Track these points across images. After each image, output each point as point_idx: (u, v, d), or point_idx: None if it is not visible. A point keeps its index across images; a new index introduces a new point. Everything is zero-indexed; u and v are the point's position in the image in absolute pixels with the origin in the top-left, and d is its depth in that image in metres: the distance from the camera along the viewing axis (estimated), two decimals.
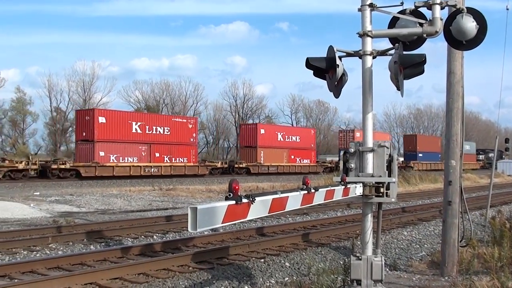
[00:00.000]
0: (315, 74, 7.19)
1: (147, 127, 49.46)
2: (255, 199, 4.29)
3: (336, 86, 7.06)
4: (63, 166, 43.62)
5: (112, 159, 46.31)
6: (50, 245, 12.25)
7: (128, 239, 13.49)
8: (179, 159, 52.20)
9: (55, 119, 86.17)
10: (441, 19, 6.69)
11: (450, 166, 9.56)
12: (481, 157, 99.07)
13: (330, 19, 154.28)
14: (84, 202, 24.57)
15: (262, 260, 10.65)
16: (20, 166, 41.41)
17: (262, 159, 60.63)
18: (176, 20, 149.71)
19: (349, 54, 7.13)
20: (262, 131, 61.84)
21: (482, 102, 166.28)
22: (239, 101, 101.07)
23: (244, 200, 4.19)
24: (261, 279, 9.40)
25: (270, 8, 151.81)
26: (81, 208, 22.67)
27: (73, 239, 12.95)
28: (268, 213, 4.60)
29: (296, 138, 66.70)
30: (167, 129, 51.35)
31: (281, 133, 65.05)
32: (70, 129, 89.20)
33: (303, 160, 66.94)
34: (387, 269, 10.08)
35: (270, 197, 4.62)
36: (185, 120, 55.60)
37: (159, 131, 50.58)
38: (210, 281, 8.91)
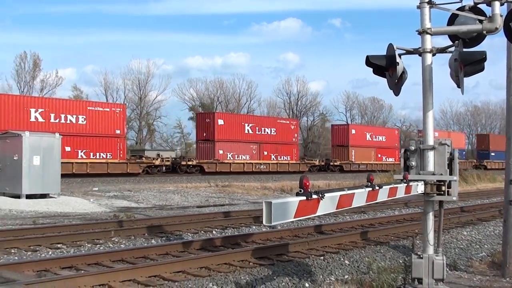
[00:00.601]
0: (375, 72, 7.26)
1: (257, 128, 54.83)
2: (324, 195, 4.40)
3: (396, 84, 7.11)
4: (190, 163, 49.47)
5: (229, 157, 51.68)
6: (112, 239, 12.62)
7: (188, 234, 13.75)
8: (283, 157, 56.96)
9: None
10: (501, 16, 6.65)
11: (511, 165, 9.41)
12: None
13: (382, 16, 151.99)
14: (141, 198, 25.09)
15: (322, 257, 10.66)
16: (157, 163, 46.80)
17: (353, 157, 64.26)
18: (229, 18, 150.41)
19: (408, 52, 7.17)
20: (353, 131, 66.09)
21: None
22: (293, 98, 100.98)
23: (314, 196, 4.30)
24: (321, 276, 9.43)
25: (322, 4, 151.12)
26: (139, 204, 23.21)
27: (135, 233, 13.29)
28: (336, 209, 4.70)
29: (382, 138, 70.34)
30: (273, 129, 56.58)
31: (369, 133, 69.00)
32: (126, 126, 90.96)
33: (388, 159, 69.79)
34: (447, 269, 9.93)
35: (338, 194, 4.73)
36: (288, 122, 61.26)
37: (267, 132, 55.97)
38: (271, 277, 9.00)
